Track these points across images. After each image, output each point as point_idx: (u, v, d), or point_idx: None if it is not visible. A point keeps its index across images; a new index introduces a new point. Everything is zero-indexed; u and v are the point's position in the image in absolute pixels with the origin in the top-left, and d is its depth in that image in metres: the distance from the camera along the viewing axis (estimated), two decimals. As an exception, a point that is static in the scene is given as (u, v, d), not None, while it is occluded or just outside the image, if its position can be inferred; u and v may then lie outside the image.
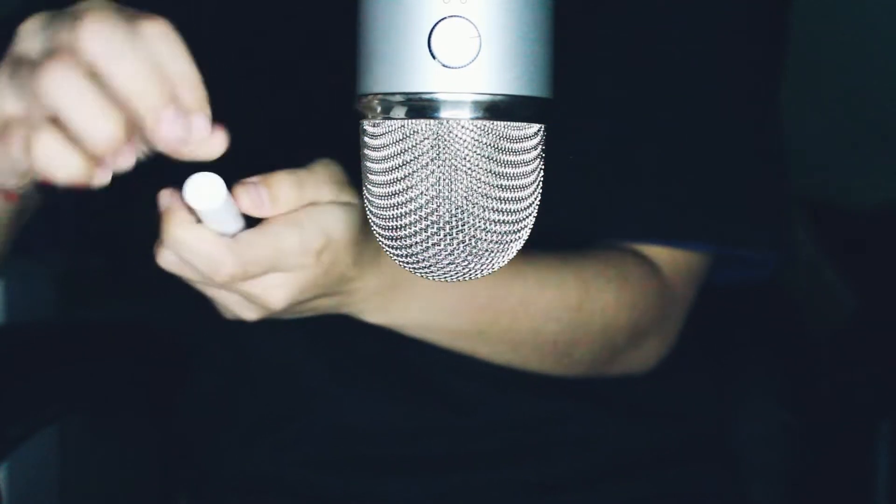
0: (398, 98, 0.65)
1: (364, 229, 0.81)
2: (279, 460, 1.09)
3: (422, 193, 0.66)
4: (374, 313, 0.89)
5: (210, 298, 0.84)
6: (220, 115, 0.82)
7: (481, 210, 0.66)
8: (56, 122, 0.66)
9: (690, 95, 1.02)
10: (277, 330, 1.07)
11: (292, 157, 0.85)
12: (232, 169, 0.84)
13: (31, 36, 0.68)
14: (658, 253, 1.02)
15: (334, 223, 0.80)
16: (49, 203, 0.96)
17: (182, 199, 0.76)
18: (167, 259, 0.79)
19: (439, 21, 0.64)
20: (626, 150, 1.01)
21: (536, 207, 0.69)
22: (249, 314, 0.83)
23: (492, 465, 1.07)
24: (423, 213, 0.66)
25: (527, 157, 0.67)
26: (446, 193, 0.66)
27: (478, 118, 0.65)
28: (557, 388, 1.06)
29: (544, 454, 1.07)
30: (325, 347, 1.07)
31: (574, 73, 0.96)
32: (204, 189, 0.76)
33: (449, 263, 0.67)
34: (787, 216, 1.07)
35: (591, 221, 1.01)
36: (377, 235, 0.69)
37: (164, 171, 0.84)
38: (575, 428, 1.07)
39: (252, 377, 1.11)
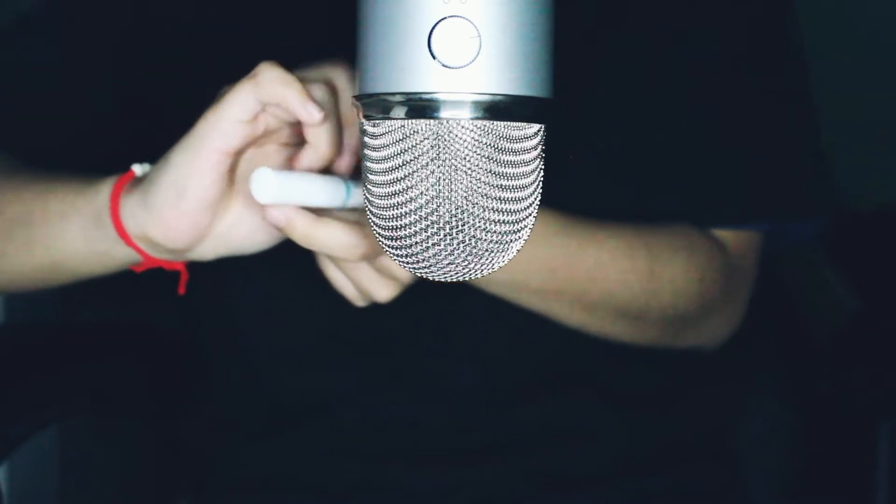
0: (398, 98, 0.65)
1: None
2: (281, 459, 1.09)
3: (422, 193, 0.66)
4: None
5: (339, 289, 0.86)
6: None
7: (481, 210, 0.66)
8: None
9: (702, 83, 1.03)
10: (279, 329, 1.07)
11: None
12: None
13: None
14: (722, 233, 1.04)
15: None
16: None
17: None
18: None
19: (439, 21, 0.64)
20: (670, 141, 1.02)
21: (536, 207, 0.69)
22: (384, 291, 0.85)
23: (499, 460, 1.07)
24: (423, 213, 0.66)
25: (527, 157, 0.67)
26: (446, 193, 0.66)
27: (478, 118, 0.65)
28: (564, 385, 1.07)
29: (549, 450, 1.07)
30: (328, 346, 1.07)
31: (586, 71, 0.96)
32: (263, 183, 0.78)
33: (449, 263, 0.67)
34: (831, 175, 1.08)
35: (654, 213, 1.02)
36: (377, 235, 0.69)
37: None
38: (582, 424, 1.08)
39: (254, 378, 1.11)
